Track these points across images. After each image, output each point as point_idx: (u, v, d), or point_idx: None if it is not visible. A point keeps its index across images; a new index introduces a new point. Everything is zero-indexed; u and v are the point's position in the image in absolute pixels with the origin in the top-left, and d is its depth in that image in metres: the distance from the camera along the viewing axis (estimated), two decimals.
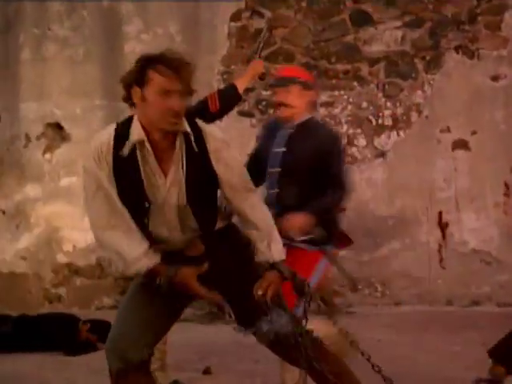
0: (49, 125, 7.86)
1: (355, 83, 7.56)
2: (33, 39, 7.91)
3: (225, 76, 7.67)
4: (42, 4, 7.90)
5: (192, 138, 2.91)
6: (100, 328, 5.90)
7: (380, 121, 7.52)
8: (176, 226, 3.00)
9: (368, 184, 7.49)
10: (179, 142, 2.90)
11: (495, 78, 7.40)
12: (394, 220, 7.43)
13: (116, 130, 2.94)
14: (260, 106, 7.59)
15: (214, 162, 2.95)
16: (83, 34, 7.83)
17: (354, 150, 7.52)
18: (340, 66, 7.58)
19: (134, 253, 2.93)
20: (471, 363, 4.62)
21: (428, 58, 7.49)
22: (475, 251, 7.33)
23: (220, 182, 2.99)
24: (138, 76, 2.82)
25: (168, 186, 2.92)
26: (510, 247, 7.19)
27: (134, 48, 7.73)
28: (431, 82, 7.47)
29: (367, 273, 7.45)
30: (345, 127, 7.55)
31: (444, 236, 7.38)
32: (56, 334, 5.83)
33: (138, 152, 2.89)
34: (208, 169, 2.94)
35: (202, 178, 2.94)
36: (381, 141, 7.51)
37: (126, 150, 2.89)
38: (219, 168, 2.96)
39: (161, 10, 7.74)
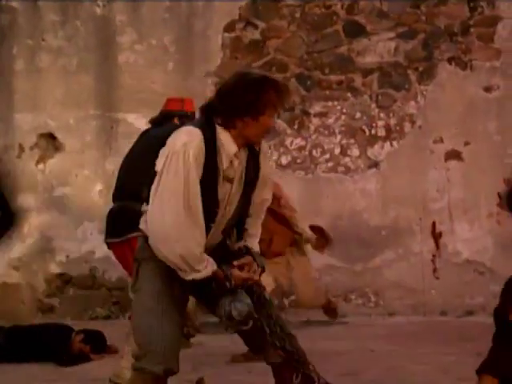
0: (42, 135, 7.85)
1: (349, 94, 7.58)
2: (27, 50, 7.91)
3: (218, 87, 7.67)
4: (35, 15, 7.90)
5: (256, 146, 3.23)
6: (93, 338, 5.88)
7: (373, 131, 7.54)
8: (224, 227, 3.21)
9: (361, 194, 7.51)
10: (244, 152, 3.20)
11: (488, 89, 7.42)
12: (388, 230, 7.44)
13: (204, 137, 3.06)
14: None
15: (261, 162, 3.26)
16: (77, 44, 7.84)
17: (347, 160, 7.54)
18: (333, 77, 7.60)
19: (201, 261, 3.05)
20: (465, 374, 4.60)
21: (421, 69, 7.51)
22: (469, 261, 7.34)
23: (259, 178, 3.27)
24: (256, 107, 3.06)
25: (234, 192, 3.17)
26: (504, 257, 7.19)
27: (128, 58, 7.76)
28: (424, 92, 7.50)
29: (361, 283, 7.45)
30: (338, 137, 7.57)
31: (437, 246, 7.39)
32: (49, 344, 5.79)
33: (222, 161, 3.09)
34: (256, 171, 3.24)
35: (253, 180, 3.24)
36: (374, 151, 7.52)
37: (225, 162, 3.10)
38: (264, 166, 3.28)
39: (154, 21, 7.76)
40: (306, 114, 7.63)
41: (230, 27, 7.70)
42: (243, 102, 3.05)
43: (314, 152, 7.62)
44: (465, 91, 7.42)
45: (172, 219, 2.99)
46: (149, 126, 5.39)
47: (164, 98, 5.60)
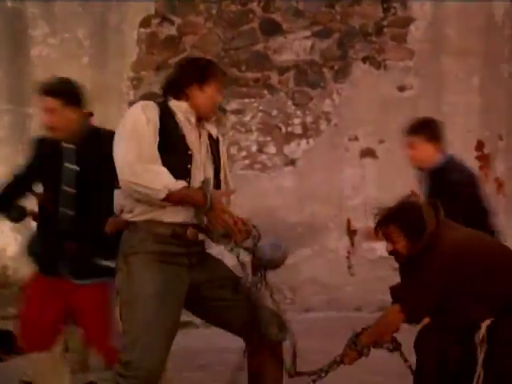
0: None
1: (265, 91, 7.60)
2: None
3: (134, 82, 7.59)
4: None
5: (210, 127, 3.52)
6: (3, 339, 5.73)
7: (290, 129, 7.58)
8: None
9: (278, 191, 7.54)
10: (204, 131, 3.46)
11: (402, 89, 7.56)
12: (304, 227, 7.50)
13: (158, 105, 3.35)
14: None
15: (221, 149, 3.55)
16: None
17: (264, 157, 7.57)
18: (250, 74, 7.61)
19: (167, 178, 3.18)
20: (379, 368, 4.68)
21: (336, 67, 7.60)
22: (383, 258, 7.45)
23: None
24: (200, 74, 3.41)
25: (203, 148, 3.41)
26: None
27: (41, 52, 7.59)
28: (339, 91, 7.59)
29: (276, 280, 7.45)
30: (255, 135, 7.59)
31: (352, 243, 7.49)
32: None
33: (180, 121, 3.37)
34: (218, 156, 3.51)
35: (217, 163, 3.49)
36: (290, 148, 7.57)
37: (180, 117, 3.36)
38: (223, 153, 3.57)
39: (67, 14, 7.61)
40: (223, 110, 7.61)
41: (145, 22, 7.62)
42: (188, 71, 3.42)
43: (230, 149, 7.60)
44: (379, 90, 7.54)
45: (132, 154, 3.17)
46: None
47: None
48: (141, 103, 3.36)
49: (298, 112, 7.58)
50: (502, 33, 7.51)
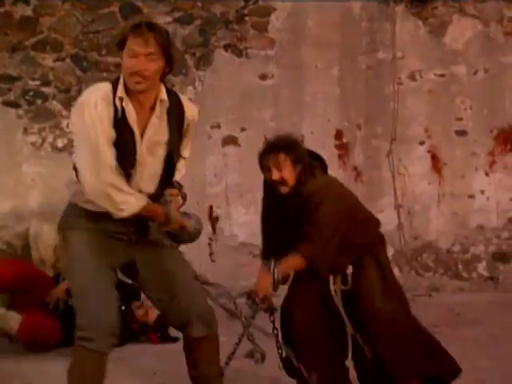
0: None
1: None
2: None
3: None
4: None
5: (167, 104, 3.33)
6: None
7: None
8: (149, 182, 3.39)
9: None
10: (159, 107, 3.32)
11: (263, 77, 7.63)
12: None
13: (112, 85, 3.30)
14: (27, 97, 7.30)
15: (185, 127, 3.44)
16: None
17: None
18: (111, 59, 7.47)
19: (128, 196, 3.22)
20: (239, 353, 4.70)
21: (198, 54, 7.58)
22: (244, 244, 7.53)
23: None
24: (119, 41, 3.31)
25: (143, 145, 3.30)
26: None
27: None
28: (202, 78, 7.57)
29: None
30: None
31: (214, 230, 7.51)
32: None
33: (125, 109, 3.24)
34: (180, 133, 3.42)
35: (177, 141, 3.42)
36: None
37: (117, 102, 3.24)
38: (187, 134, 3.48)
39: None
40: None
41: None
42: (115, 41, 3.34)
43: None
44: (241, 78, 7.58)
45: (86, 165, 3.18)
46: None
47: None
48: (103, 94, 3.31)
49: None
50: (359, 25, 7.69)
